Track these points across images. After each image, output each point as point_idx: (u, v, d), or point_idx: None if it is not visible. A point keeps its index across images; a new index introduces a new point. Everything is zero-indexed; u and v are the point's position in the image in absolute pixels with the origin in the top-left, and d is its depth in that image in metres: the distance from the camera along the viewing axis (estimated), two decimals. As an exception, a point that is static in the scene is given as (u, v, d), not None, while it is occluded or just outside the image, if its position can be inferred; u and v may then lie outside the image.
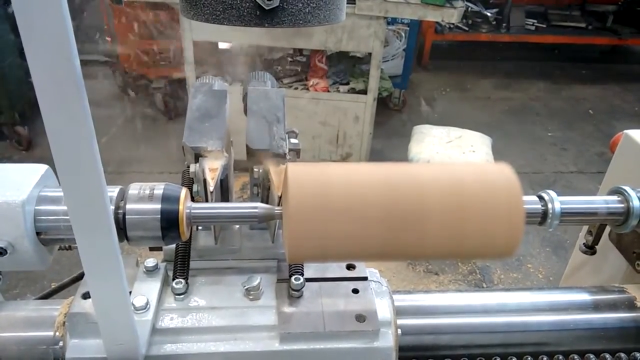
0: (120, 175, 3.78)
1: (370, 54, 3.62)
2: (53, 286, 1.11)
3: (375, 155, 4.21)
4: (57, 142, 0.56)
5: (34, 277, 2.64)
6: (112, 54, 4.81)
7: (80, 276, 1.05)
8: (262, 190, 0.90)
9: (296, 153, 0.98)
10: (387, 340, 0.84)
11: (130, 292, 0.84)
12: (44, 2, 0.48)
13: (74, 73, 0.52)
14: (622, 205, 0.86)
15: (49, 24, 0.49)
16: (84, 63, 0.53)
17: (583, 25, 6.44)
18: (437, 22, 5.83)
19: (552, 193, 0.85)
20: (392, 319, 0.87)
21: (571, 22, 6.45)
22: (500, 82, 6.07)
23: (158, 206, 0.73)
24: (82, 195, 0.60)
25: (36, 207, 0.71)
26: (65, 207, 0.72)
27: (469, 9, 6.11)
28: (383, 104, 5.05)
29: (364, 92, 3.80)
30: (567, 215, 0.85)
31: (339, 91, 3.89)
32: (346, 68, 4.08)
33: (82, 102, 0.54)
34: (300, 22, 0.62)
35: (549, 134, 5.11)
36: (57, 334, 0.83)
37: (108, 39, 4.74)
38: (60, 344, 0.82)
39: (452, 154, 3.31)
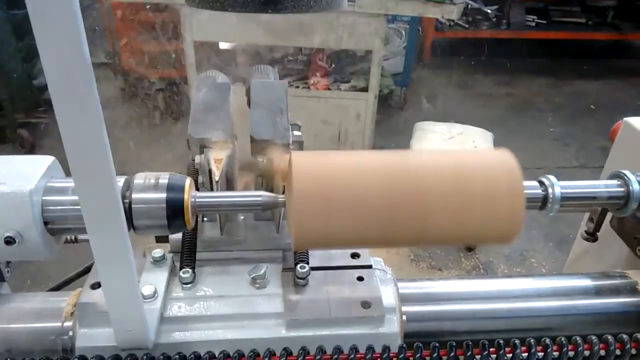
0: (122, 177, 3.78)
1: (370, 51, 3.63)
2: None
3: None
4: (69, 133, 0.57)
5: (40, 279, 2.66)
6: (113, 56, 4.84)
7: (86, 270, 1.07)
8: (267, 180, 0.91)
9: (299, 145, 0.99)
10: (393, 326, 0.85)
11: (138, 282, 0.85)
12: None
13: (84, 65, 0.53)
14: (622, 189, 0.87)
15: (61, 18, 0.51)
16: None
17: (583, 20, 6.43)
18: (437, 19, 5.83)
19: (552, 178, 0.86)
20: (397, 306, 0.88)
21: (571, 18, 6.44)
22: (501, 79, 6.07)
23: (163, 195, 0.74)
24: (92, 184, 0.61)
25: (44, 197, 0.72)
26: (72, 197, 0.73)
27: (469, 6, 6.11)
28: (384, 101, 5.05)
29: (365, 89, 3.81)
30: (568, 200, 0.86)
31: (340, 89, 3.90)
32: (347, 66, 4.10)
33: (92, 93, 0.55)
34: (303, 7, 0.63)
35: (551, 129, 5.11)
36: (65, 324, 0.84)
37: (109, 40, 4.76)
38: (70, 333, 0.83)
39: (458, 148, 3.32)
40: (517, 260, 3.37)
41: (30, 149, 4.22)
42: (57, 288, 1.07)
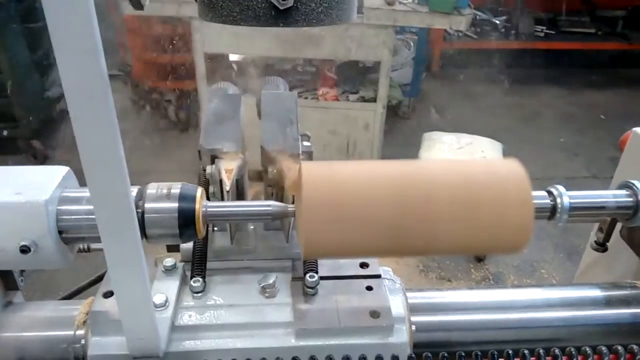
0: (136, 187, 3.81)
1: (379, 62, 3.65)
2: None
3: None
4: (85, 144, 0.59)
5: (50, 289, 2.68)
6: (125, 68, 4.90)
7: (97, 279, 1.08)
8: (277, 190, 0.92)
9: (308, 155, 1.00)
10: (402, 336, 0.85)
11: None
12: (74, 10, 0.51)
13: (101, 77, 0.55)
14: (631, 199, 0.87)
15: (78, 30, 0.52)
16: None
17: (593, 30, 6.42)
18: (445, 30, 5.86)
19: (561, 188, 0.86)
20: (406, 315, 0.88)
21: (580, 28, 6.44)
22: (510, 89, 6.06)
23: (175, 204, 0.75)
24: (108, 194, 0.63)
25: (58, 207, 0.74)
26: (86, 207, 0.75)
27: (477, 16, 6.13)
28: (393, 112, 5.07)
29: (373, 100, 3.83)
30: (576, 210, 0.86)
31: (348, 100, 3.92)
32: (355, 77, 4.12)
33: (109, 106, 0.57)
34: (314, 21, 0.64)
35: (561, 139, 5.09)
36: (77, 332, 0.85)
37: (121, 52, 4.83)
38: (82, 342, 0.84)
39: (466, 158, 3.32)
40: (527, 271, 3.35)
41: (42, 159, 4.27)
42: (69, 297, 1.08)
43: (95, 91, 0.56)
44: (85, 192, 0.76)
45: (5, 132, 4.20)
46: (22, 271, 0.91)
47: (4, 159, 4.23)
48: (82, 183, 0.70)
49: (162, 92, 4.73)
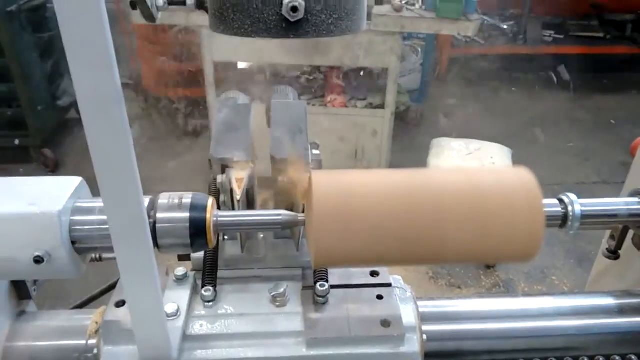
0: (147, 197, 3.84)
1: (387, 69, 3.65)
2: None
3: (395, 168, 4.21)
4: (99, 154, 0.60)
5: (62, 296, 2.70)
6: (134, 76, 4.94)
7: (109, 288, 1.09)
8: (287, 198, 0.92)
9: (318, 164, 1.01)
10: (413, 346, 0.85)
11: (161, 300, 0.87)
12: (87, 21, 0.52)
13: (114, 87, 0.56)
14: (644, 206, 0.87)
15: (93, 44, 0.53)
16: None
17: (602, 35, 6.38)
18: (453, 36, 5.85)
19: (572, 196, 0.86)
20: (417, 325, 0.88)
21: (589, 32, 6.40)
22: (519, 94, 6.04)
23: (187, 214, 0.76)
24: (121, 204, 0.63)
25: (71, 218, 0.75)
26: (98, 217, 0.76)
27: (485, 22, 6.11)
28: (401, 118, 5.06)
29: (381, 107, 3.83)
30: (588, 218, 0.86)
31: (356, 107, 3.92)
32: (363, 84, 4.12)
33: (122, 116, 0.58)
34: (324, 32, 0.65)
35: (570, 144, 5.06)
36: (90, 342, 0.86)
37: (131, 61, 4.87)
38: (95, 351, 0.85)
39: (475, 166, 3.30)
40: (538, 277, 3.33)
41: (53, 168, 4.31)
42: (80, 305, 1.09)
43: (109, 103, 0.57)
44: (97, 203, 0.77)
45: (16, 141, 4.24)
46: (35, 281, 0.92)
47: (15, 168, 4.27)
48: (95, 193, 0.71)
49: (172, 100, 4.76)
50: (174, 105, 4.73)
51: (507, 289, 3.24)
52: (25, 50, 4.05)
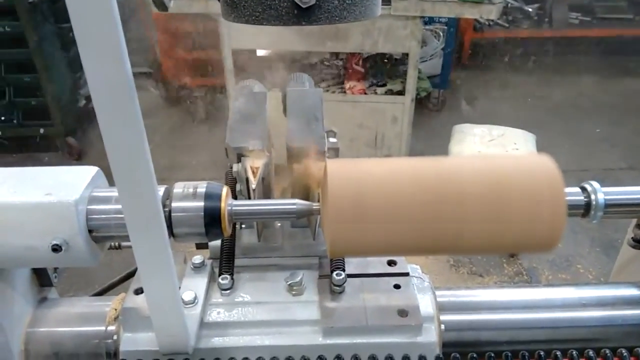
0: (165, 182, 3.88)
1: (407, 54, 3.60)
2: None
3: (415, 156, 4.17)
4: (112, 145, 0.60)
5: (86, 281, 2.75)
6: (155, 65, 4.98)
7: (129, 275, 1.10)
8: (303, 187, 0.92)
9: (335, 152, 1.00)
10: (431, 335, 0.84)
11: (179, 288, 0.87)
12: (99, 15, 0.51)
13: (126, 78, 0.56)
14: (671, 195, 0.84)
15: (103, 34, 0.53)
16: None
17: (630, 16, 6.20)
18: (475, 20, 5.75)
19: (595, 184, 0.83)
20: (435, 314, 0.87)
21: (617, 14, 6.22)
22: (544, 79, 5.90)
23: (201, 204, 0.76)
24: (135, 194, 0.64)
25: (88, 207, 0.75)
26: (115, 206, 0.76)
27: (509, 4, 5.99)
28: (422, 104, 5.01)
29: (401, 93, 3.79)
30: (612, 207, 0.83)
31: (376, 93, 3.89)
32: (383, 70, 4.08)
33: (134, 107, 0.58)
34: (337, 18, 0.63)
35: (597, 130, 4.94)
36: (109, 328, 0.87)
37: (151, 50, 4.91)
38: (114, 337, 0.86)
39: (495, 153, 3.25)
40: (563, 266, 3.27)
41: (78, 156, 4.39)
42: (101, 292, 1.11)
43: (121, 93, 0.57)
44: (114, 192, 0.78)
45: (41, 131, 4.32)
46: (55, 268, 0.94)
47: (41, 157, 4.36)
48: (112, 182, 0.72)
49: (191, 89, 4.78)
50: (193, 93, 4.76)
51: (530, 278, 3.20)
52: (48, 41, 4.11)
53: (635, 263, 1.17)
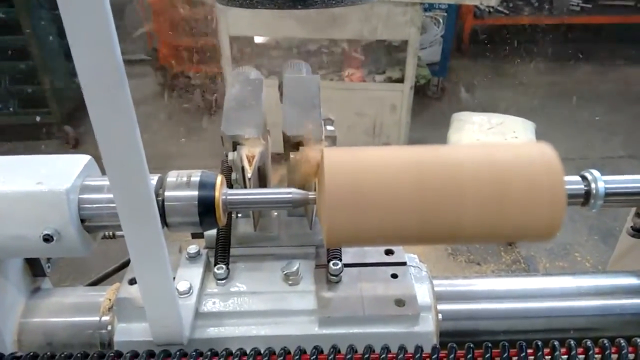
0: (162, 171, 3.86)
1: (406, 41, 3.57)
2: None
3: (414, 144, 4.15)
4: (103, 134, 0.59)
5: (83, 270, 2.75)
6: (151, 52, 4.93)
7: (123, 265, 1.09)
8: (299, 176, 0.90)
9: (332, 140, 0.98)
10: (428, 325, 0.84)
11: (174, 278, 0.86)
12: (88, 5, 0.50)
13: (116, 65, 0.54)
14: (672, 184, 0.82)
15: (93, 21, 0.51)
16: (125, 62, 0.56)
17: (632, 3, 6.15)
18: (475, 6, 5.70)
19: (596, 172, 0.82)
20: (433, 304, 0.87)
21: (619, 1, 6.17)
22: (543, 66, 5.87)
23: (195, 193, 0.74)
24: (127, 183, 0.62)
25: (80, 196, 0.74)
26: (107, 195, 0.75)
27: (509, -9, 5.94)
28: (421, 92, 4.98)
29: (400, 80, 3.76)
30: (612, 196, 0.82)
31: (374, 81, 3.86)
32: (382, 57, 4.05)
33: (125, 95, 0.56)
34: (333, 2, 0.62)
35: (596, 118, 4.92)
36: (103, 318, 0.86)
37: (148, 37, 4.86)
38: (108, 328, 0.85)
39: (494, 141, 3.23)
40: (560, 254, 3.28)
41: (74, 144, 4.36)
42: (95, 282, 1.10)
43: (112, 81, 0.55)
44: (106, 181, 0.76)
45: (37, 118, 4.30)
46: (49, 258, 0.93)
47: (37, 145, 4.33)
48: (105, 171, 0.70)
49: (188, 76, 4.75)
50: (191, 80, 4.73)
51: (528, 266, 3.20)
52: (44, 28, 4.07)
53: (634, 252, 1.17)
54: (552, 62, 5.93)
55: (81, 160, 0.78)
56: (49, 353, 0.75)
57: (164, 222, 0.74)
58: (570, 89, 5.48)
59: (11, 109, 4.28)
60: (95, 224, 0.75)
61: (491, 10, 5.92)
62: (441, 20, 5.11)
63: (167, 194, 0.74)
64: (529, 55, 6.01)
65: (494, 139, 3.27)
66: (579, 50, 6.16)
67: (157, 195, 0.74)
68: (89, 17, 0.51)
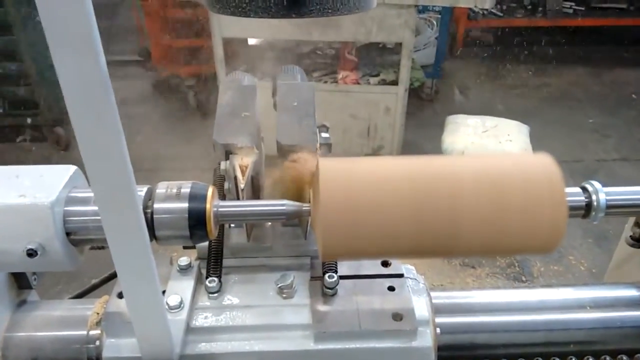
0: (155, 173, 3.83)
1: (400, 43, 3.56)
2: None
3: (408, 147, 4.14)
4: (86, 144, 0.56)
5: (74, 275, 2.71)
6: (144, 53, 4.89)
7: (112, 276, 1.06)
8: (293, 185, 0.88)
9: (328, 147, 0.96)
10: (426, 340, 0.82)
11: (165, 291, 0.84)
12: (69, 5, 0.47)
13: (100, 74, 0.51)
14: (675, 195, 0.81)
15: (75, 26, 0.49)
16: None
17: (624, 6, 6.17)
18: (469, 9, 5.70)
19: (597, 184, 0.80)
20: (431, 318, 0.84)
21: (611, 4, 6.18)
22: (537, 69, 5.88)
23: (185, 205, 0.72)
24: (112, 196, 0.60)
25: (65, 208, 0.71)
26: (94, 208, 0.72)
27: (503, -6, 5.95)
28: (415, 94, 4.96)
29: (395, 83, 3.75)
30: (613, 208, 0.80)
31: (369, 83, 3.84)
32: (376, 59, 4.03)
33: (110, 104, 0.53)
34: (329, 11, 0.59)
35: (590, 120, 4.93)
36: (91, 332, 0.84)
37: (140, 38, 4.82)
38: (96, 343, 0.82)
39: (488, 144, 3.22)
40: (554, 257, 3.27)
41: (65, 147, 4.31)
42: (82, 294, 1.07)
43: (96, 90, 0.52)
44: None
45: (28, 120, 4.24)
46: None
47: (28, 147, 4.28)
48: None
49: (181, 77, 4.71)
50: (184, 82, 4.69)
51: (522, 269, 3.19)
52: (34, 28, 4.02)
53: (633, 262, 1.15)
54: (546, 64, 5.94)
55: (67, 171, 0.75)
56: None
57: (153, 236, 0.72)
58: (563, 91, 5.49)
59: (1, 110, 4.23)
60: (81, 237, 0.73)
61: (485, 12, 5.93)
62: (435, 23, 5.10)
63: (156, 206, 0.71)
64: (522, 58, 6.02)
65: (488, 142, 3.26)
66: (572, 53, 6.18)
67: (145, 207, 0.71)
68: (70, 20, 0.48)
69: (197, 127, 4.59)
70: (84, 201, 0.72)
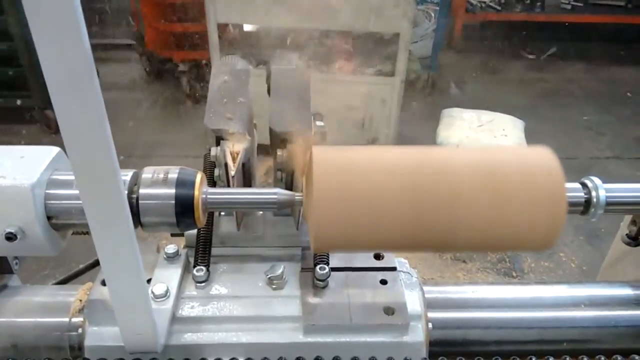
0: (146, 160, 3.79)
1: (398, 34, 3.52)
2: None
3: (403, 139, 4.11)
4: (68, 126, 0.53)
5: (61, 260, 2.68)
6: (137, 37, 4.82)
7: (95, 263, 1.03)
8: (286, 175, 0.85)
9: (322, 136, 0.93)
10: (418, 335, 0.80)
11: (151, 280, 0.82)
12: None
13: (84, 56, 0.49)
14: (676, 193, 0.79)
15: (59, 10, 0.46)
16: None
17: (622, 3, 6.15)
18: (468, 1, 5.66)
19: (597, 180, 0.78)
20: (423, 312, 0.83)
21: (609, 0, 6.17)
22: (533, 64, 5.86)
23: (172, 191, 0.69)
24: (94, 180, 0.57)
25: (47, 191, 0.69)
26: (77, 191, 0.69)
27: (502, -13, 5.91)
28: (411, 86, 4.93)
29: (391, 74, 3.71)
30: (613, 205, 0.78)
31: (365, 74, 3.80)
32: (373, 50, 3.99)
33: (93, 85, 0.51)
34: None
35: (585, 117, 4.92)
36: (73, 320, 0.81)
37: (134, 21, 4.74)
38: (79, 330, 0.80)
39: (483, 138, 3.21)
40: (545, 254, 3.26)
41: (56, 129, 4.24)
42: (65, 280, 1.04)
43: (79, 73, 0.50)
44: (77, 175, 0.71)
45: (18, 102, 4.17)
46: (16, 255, 0.87)
47: (18, 129, 4.21)
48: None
49: (175, 62, 4.65)
50: (178, 67, 4.63)
51: (513, 265, 3.19)
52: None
53: (627, 260, 1.14)
54: (542, 60, 5.93)
55: (49, 152, 0.72)
56: (10, 359, 0.69)
57: (138, 222, 0.69)
58: (559, 87, 5.48)
59: (-10, 91, 4.16)
60: (63, 222, 0.70)
61: (483, 5, 5.89)
62: (433, 14, 5.07)
63: (142, 191, 0.69)
64: (519, 52, 6.00)
65: (483, 136, 3.24)
66: (569, 49, 6.16)
67: (131, 192, 0.69)
68: (55, 8, 0.46)
69: (190, 113, 4.54)
70: (66, 184, 0.70)
